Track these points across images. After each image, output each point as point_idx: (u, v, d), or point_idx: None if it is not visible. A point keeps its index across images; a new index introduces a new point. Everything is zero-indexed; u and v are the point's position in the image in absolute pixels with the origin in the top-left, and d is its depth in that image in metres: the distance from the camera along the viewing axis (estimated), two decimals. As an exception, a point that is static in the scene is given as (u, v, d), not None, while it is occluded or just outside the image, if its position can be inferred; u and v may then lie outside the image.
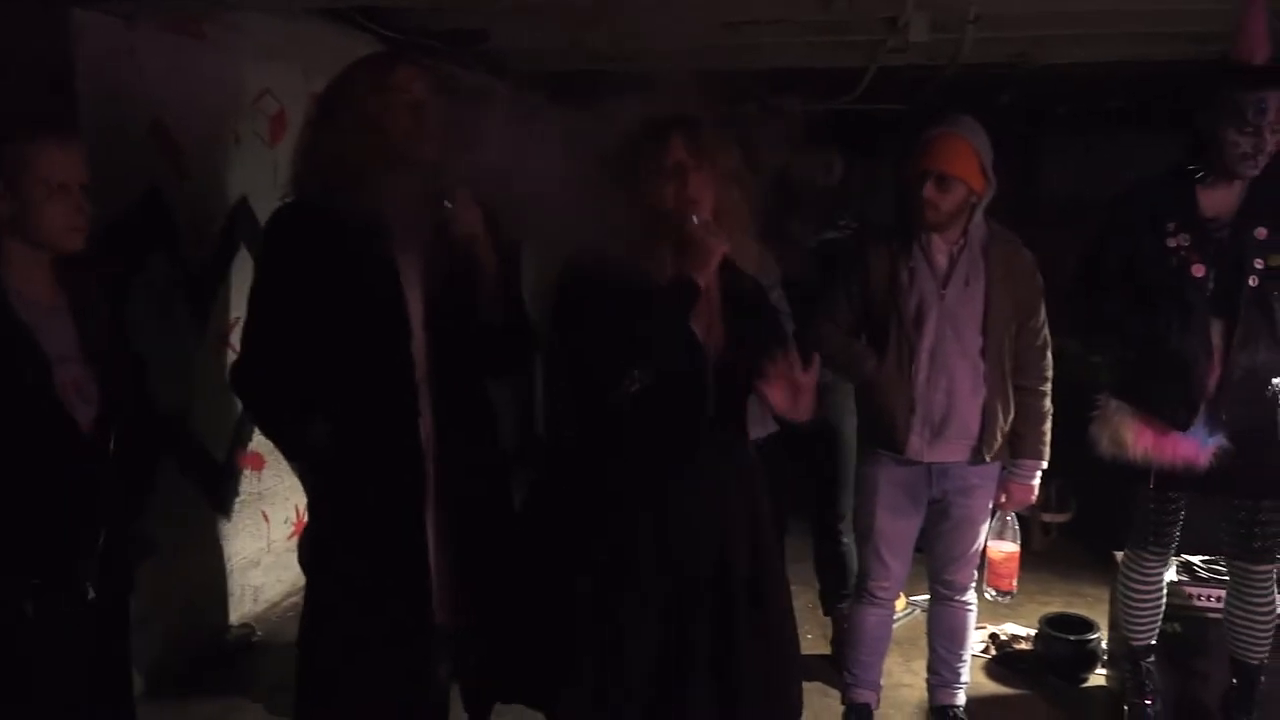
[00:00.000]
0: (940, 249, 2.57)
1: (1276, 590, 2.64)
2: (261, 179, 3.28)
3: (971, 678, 2.96)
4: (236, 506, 3.41)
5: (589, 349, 1.96)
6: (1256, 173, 2.40)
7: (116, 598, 1.97)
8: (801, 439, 3.18)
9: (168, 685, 3.00)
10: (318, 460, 2.10)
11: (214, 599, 3.35)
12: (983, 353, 2.57)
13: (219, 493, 3.34)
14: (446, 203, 1.94)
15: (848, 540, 3.22)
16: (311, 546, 2.15)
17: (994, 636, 3.50)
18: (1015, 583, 2.87)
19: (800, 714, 2.18)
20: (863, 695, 2.83)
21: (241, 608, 3.45)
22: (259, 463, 3.49)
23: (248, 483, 3.46)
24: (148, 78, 2.91)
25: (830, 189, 3.66)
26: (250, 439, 3.41)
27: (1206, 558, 3.01)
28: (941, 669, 2.86)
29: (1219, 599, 2.82)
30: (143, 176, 2.93)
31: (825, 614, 3.46)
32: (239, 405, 3.27)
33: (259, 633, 3.40)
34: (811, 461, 3.30)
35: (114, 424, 1.89)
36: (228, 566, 3.39)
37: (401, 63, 2.03)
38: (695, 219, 1.89)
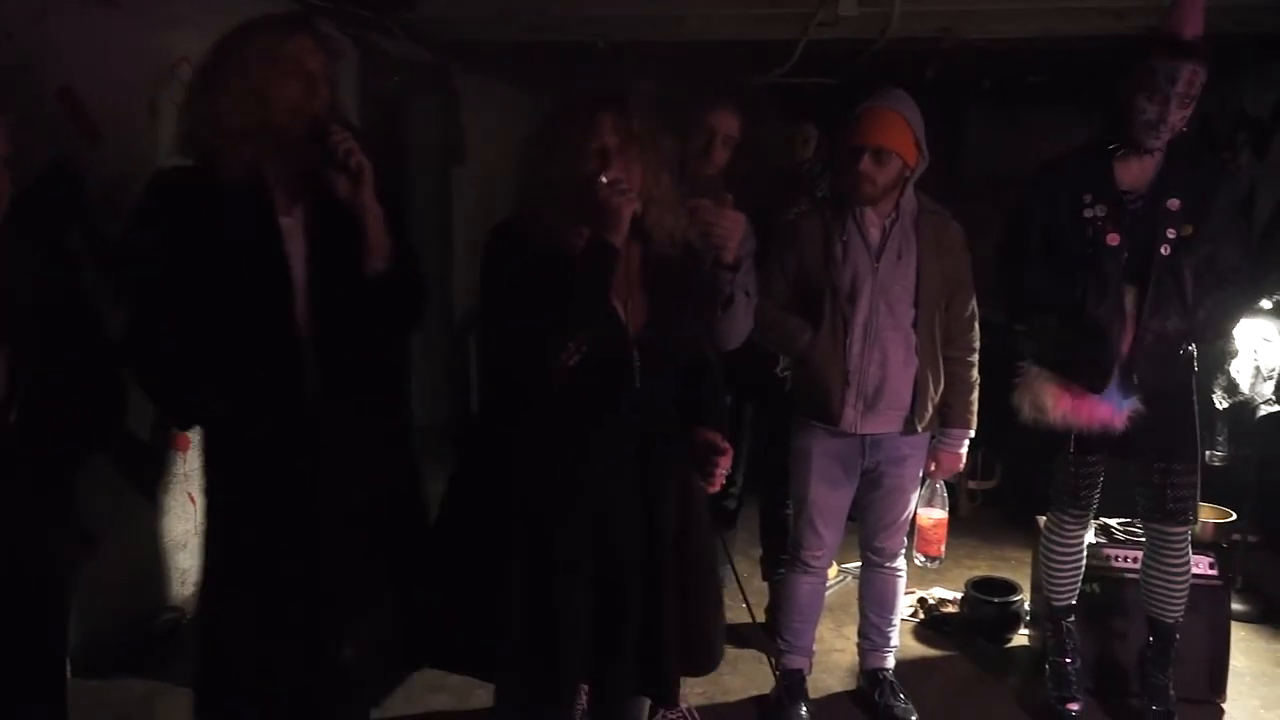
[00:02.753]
0: (873, 222, 2.60)
1: (1190, 552, 2.75)
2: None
3: (901, 641, 3.04)
4: (162, 488, 3.33)
5: (514, 322, 1.94)
6: (1159, 144, 2.46)
7: (47, 587, 1.91)
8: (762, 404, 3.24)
9: (94, 670, 2.93)
10: (210, 429, 2.06)
11: (141, 583, 3.27)
12: (914, 325, 2.61)
13: (144, 474, 3.25)
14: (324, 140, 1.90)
15: None
16: (205, 519, 2.12)
17: (923, 600, 3.59)
18: (943, 548, 2.94)
19: (717, 662, 2.22)
20: (796, 661, 2.89)
21: (170, 591, 3.38)
22: (185, 443, 3.40)
23: (174, 464, 3.37)
24: (58, 45, 2.78)
25: (806, 161, 3.68)
26: (175, 419, 3.33)
27: (1123, 520, 3.12)
28: (872, 633, 2.93)
29: (1135, 560, 2.92)
30: (53, 147, 2.81)
31: (764, 579, 3.50)
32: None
33: (188, 616, 3.33)
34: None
35: (24, 404, 1.82)
36: (155, 550, 3.31)
37: (298, 31, 1.94)
38: (603, 179, 1.88)
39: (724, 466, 1.99)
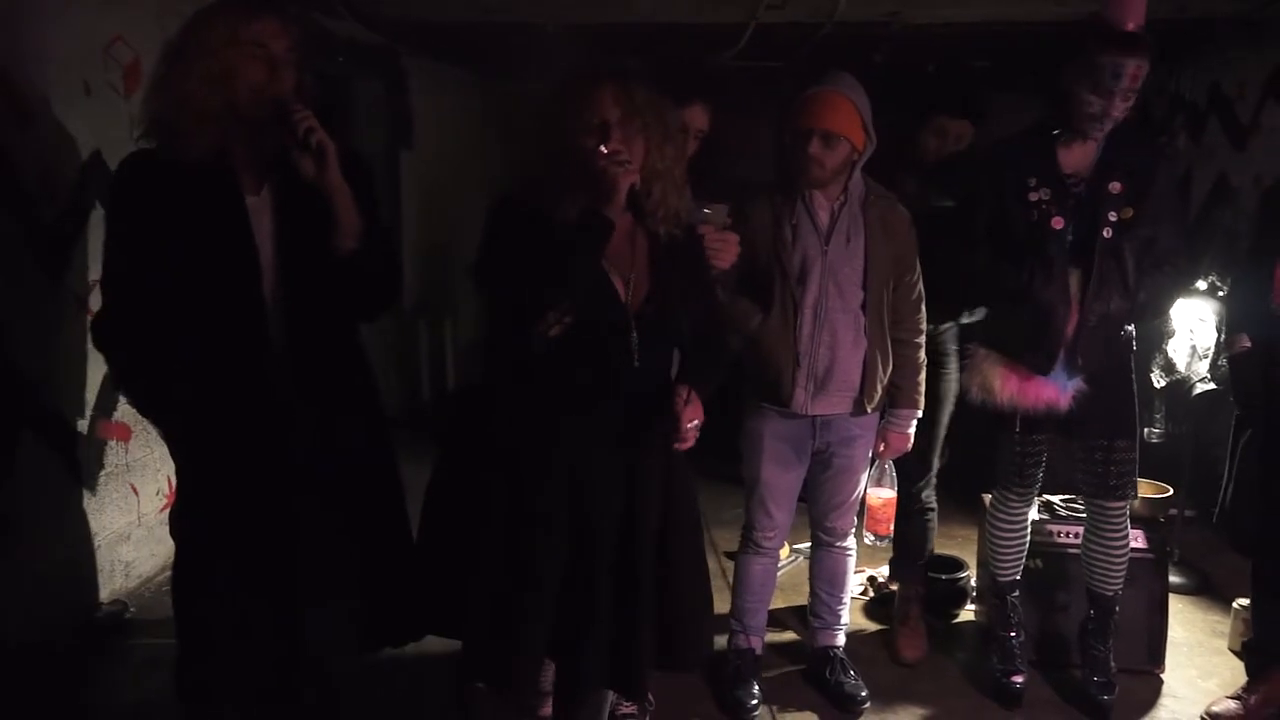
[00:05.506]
0: (822, 205, 2.61)
1: (1129, 526, 2.82)
2: (115, 132, 3.08)
3: (851, 619, 3.07)
4: (103, 479, 3.25)
5: (502, 289, 1.93)
6: (1102, 134, 2.51)
7: None
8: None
9: (35, 664, 2.87)
10: (178, 415, 2.05)
11: (82, 576, 3.20)
12: (863, 307, 2.63)
13: (82, 465, 3.18)
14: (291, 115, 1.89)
15: None
16: (175, 503, 2.12)
17: (872, 579, 3.63)
18: (892, 527, 2.97)
19: (701, 660, 2.21)
20: (748, 641, 2.91)
21: (112, 584, 3.31)
22: (125, 433, 3.33)
23: (115, 454, 3.30)
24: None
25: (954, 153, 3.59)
26: (115, 408, 3.25)
27: (1066, 497, 3.19)
28: (823, 612, 2.96)
29: (1077, 535, 2.98)
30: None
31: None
32: (102, 372, 3.11)
33: (132, 609, 3.27)
34: None
35: None
36: (95, 542, 3.24)
37: (262, 14, 1.94)
38: (602, 148, 1.86)
39: (686, 423, 1.95)
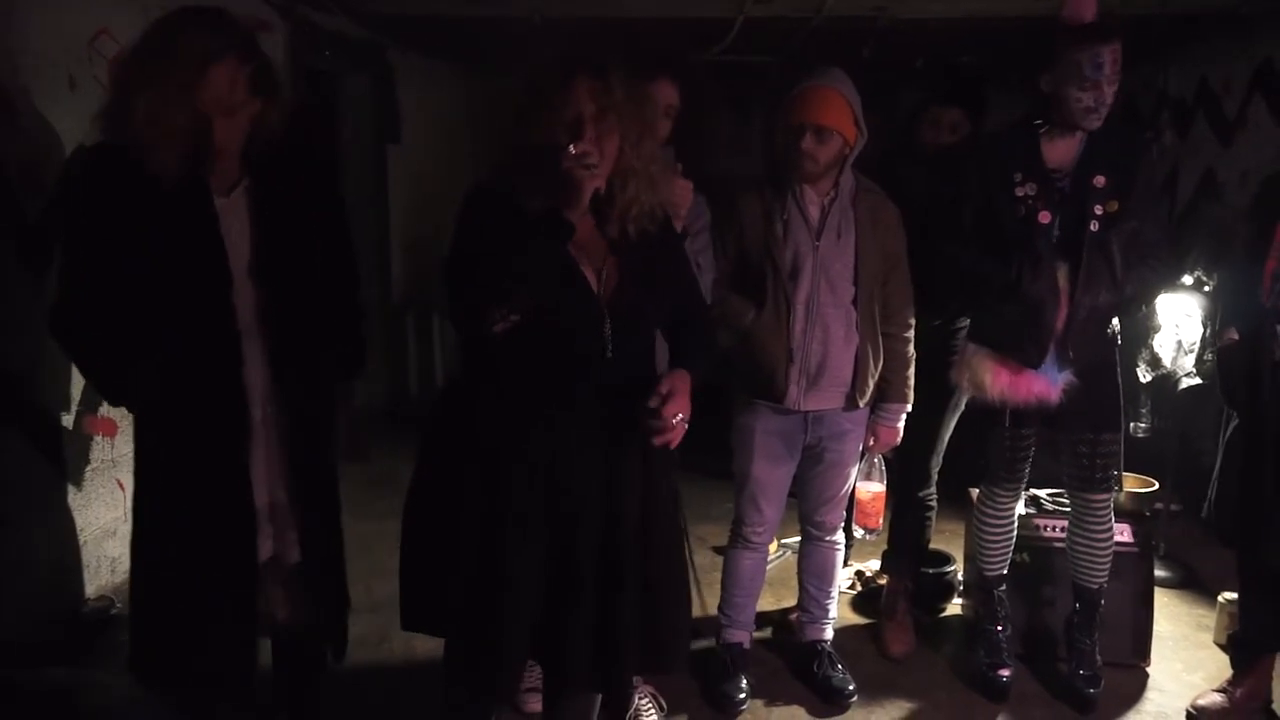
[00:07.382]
0: (813, 201, 2.61)
1: (1113, 519, 2.84)
2: (101, 126, 3.06)
3: (839, 612, 3.08)
4: (89, 475, 3.23)
5: (458, 281, 1.90)
6: (1100, 124, 2.53)
7: None
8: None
9: (19, 661, 2.85)
10: (143, 406, 2.04)
11: (67, 572, 3.18)
12: (854, 302, 2.63)
13: (68, 460, 3.16)
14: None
15: None
16: (135, 495, 2.09)
17: (860, 573, 3.64)
18: (881, 521, 2.98)
19: (683, 662, 2.20)
20: (736, 635, 2.91)
21: (99, 580, 3.29)
22: (111, 428, 3.31)
23: (101, 449, 3.28)
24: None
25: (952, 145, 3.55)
26: (101, 403, 3.23)
27: (1052, 491, 3.20)
28: (811, 606, 2.97)
29: (1063, 529, 2.99)
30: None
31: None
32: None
33: (118, 604, 3.25)
34: None
35: None
36: (81, 538, 3.22)
37: (218, 59, 1.88)
38: (572, 148, 1.81)
39: (670, 415, 1.89)
